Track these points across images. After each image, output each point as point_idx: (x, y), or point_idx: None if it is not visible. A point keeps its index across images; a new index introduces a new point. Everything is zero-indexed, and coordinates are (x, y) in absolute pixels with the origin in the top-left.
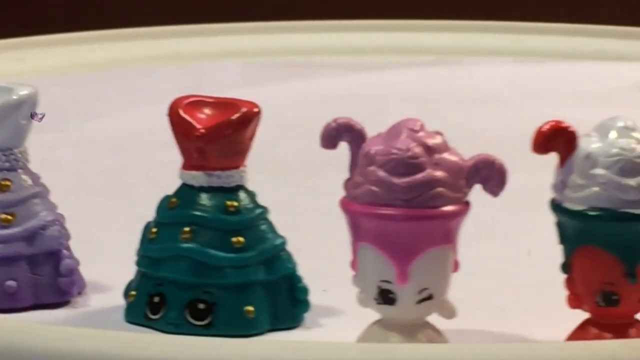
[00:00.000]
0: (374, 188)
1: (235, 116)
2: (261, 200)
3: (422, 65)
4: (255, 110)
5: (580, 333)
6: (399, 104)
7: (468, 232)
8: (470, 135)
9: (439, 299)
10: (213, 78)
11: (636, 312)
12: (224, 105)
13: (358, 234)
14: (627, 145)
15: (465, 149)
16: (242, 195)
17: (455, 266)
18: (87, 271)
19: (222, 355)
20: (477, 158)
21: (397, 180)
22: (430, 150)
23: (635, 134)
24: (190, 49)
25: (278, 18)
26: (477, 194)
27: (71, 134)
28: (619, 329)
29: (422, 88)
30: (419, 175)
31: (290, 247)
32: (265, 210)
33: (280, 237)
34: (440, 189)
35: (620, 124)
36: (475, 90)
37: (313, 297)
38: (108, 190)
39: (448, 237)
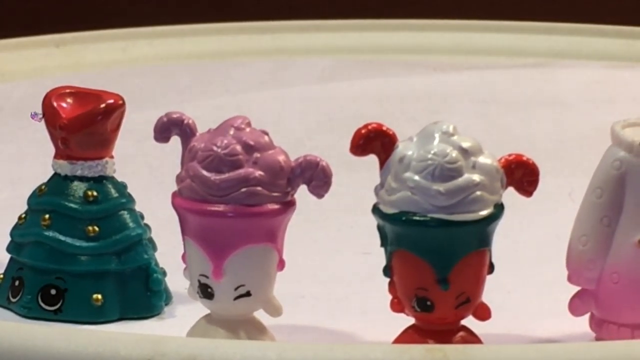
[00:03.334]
0: (193, 183)
1: (96, 108)
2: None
3: (499, 67)
4: (119, 102)
5: (403, 338)
6: (462, 105)
7: None
8: (524, 139)
9: (261, 296)
10: (291, 73)
11: (456, 319)
12: (89, 96)
13: (183, 227)
14: (441, 151)
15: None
16: (105, 185)
17: (281, 265)
18: None
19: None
20: (301, 159)
21: (213, 177)
22: (250, 148)
23: (454, 139)
24: (273, 44)
25: (357, 16)
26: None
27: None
28: (443, 335)
29: (493, 90)
30: (235, 173)
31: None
32: (129, 201)
33: (141, 228)
34: (256, 188)
35: (442, 128)
36: (547, 94)
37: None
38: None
39: (268, 236)
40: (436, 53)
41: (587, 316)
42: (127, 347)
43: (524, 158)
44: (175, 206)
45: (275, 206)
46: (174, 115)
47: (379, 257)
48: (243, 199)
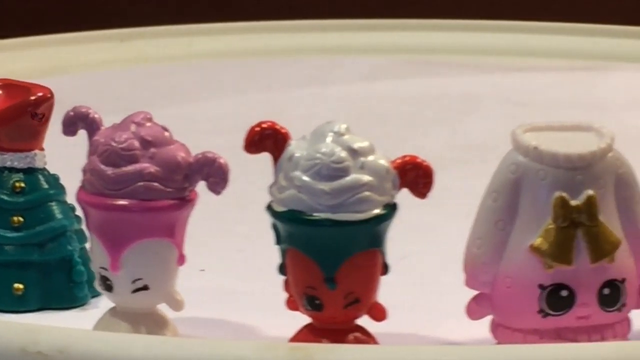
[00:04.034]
0: (91, 177)
1: (25, 100)
2: None
3: (542, 69)
4: (48, 95)
5: (298, 336)
6: (494, 106)
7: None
8: None
9: (160, 290)
10: (338, 71)
11: (347, 319)
12: (19, 89)
13: (86, 220)
14: (329, 150)
15: None
16: (35, 176)
17: (181, 260)
18: None
19: None
20: (200, 155)
21: (109, 171)
22: (147, 143)
23: (344, 139)
24: (323, 43)
25: (400, 16)
26: None
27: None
28: (337, 335)
29: (530, 93)
30: (129, 167)
31: None
32: (58, 193)
33: (67, 219)
34: (151, 183)
35: (335, 128)
36: (586, 97)
37: None
38: None
39: (165, 230)
40: (480, 54)
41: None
42: (2, 335)
43: (419, 160)
44: (76, 199)
45: (171, 201)
46: (81, 110)
47: None
48: (138, 193)
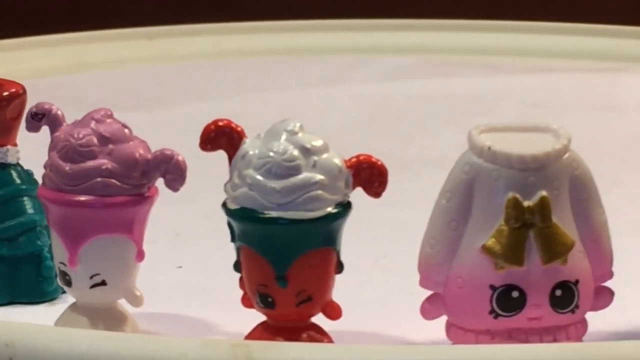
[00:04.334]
0: (50, 172)
1: None
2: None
3: (560, 70)
4: (20, 92)
5: (252, 334)
6: (510, 107)
7: None
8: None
9: (118, 286)
10: (357, 72)
11: (300, 317)
12: None
13: (47, 216)
14: (280, 148)
15: None
16: (7, 172)
17: (140, 256)
18: None
19: None
20: (158, 152)
21: (67, 167)
22: (106, 140)
23: (297, 137)
24: (343, 43)
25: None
26: None
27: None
28: (291, 333)
29: (548, 94)
30: (87, 163)
31: None
32: (30, 188)
33: (38, 214)
34: (108, 179)
35: (289, 127)
36: (605, 99)
37: None
38: None
39: (122, 226)
40: (496, 55)
41: None
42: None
43: (374, 159)
44: (37, 195)
45: (129, 198)
46: (44, 106)
47: None
48: (96, 189)
